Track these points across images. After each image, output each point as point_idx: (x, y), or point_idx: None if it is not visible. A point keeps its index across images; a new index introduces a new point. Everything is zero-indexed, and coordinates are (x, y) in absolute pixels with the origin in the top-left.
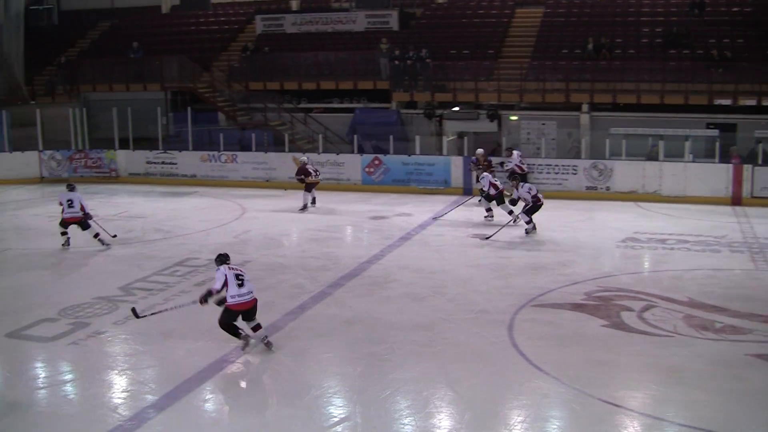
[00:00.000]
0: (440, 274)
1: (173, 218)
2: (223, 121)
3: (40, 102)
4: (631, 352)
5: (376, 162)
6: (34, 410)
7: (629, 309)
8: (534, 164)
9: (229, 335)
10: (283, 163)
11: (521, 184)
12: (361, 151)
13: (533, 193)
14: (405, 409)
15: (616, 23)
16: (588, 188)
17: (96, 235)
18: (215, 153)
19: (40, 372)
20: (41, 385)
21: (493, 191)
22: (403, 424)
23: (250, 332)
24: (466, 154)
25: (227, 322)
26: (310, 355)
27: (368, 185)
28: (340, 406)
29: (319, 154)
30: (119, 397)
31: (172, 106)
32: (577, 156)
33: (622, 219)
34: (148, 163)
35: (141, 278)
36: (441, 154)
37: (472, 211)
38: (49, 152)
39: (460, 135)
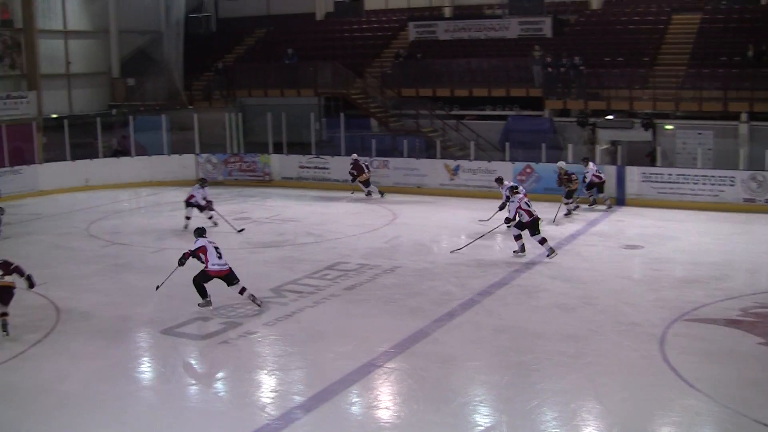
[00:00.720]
0: (591, 284)
1: (325, 222)
2: (376, 127)
3: (197, 107)
4: None
5: (528, 170)
6: (185, 405)
7: None
8: (689, 175)
9: (199, 294)
10: (435, 170)
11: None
12: (512, 158)
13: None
14: (551, 421)
15: None
16: (746, 200)
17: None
18: (367, 159)
19: (193, 369)
20: (193, 382)
21: (526, 218)
22: None
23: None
24: (619, 163)
25: (200, 282)
26: (457, 363)
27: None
28: (486, 415)
29: (470, 161)
30: (268, 397)
31: (325, 111)
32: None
33: None
34: (301, 167)
35: (292, 281)
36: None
37: (624, 221)
38: (205, 155)
39: (614, 144)
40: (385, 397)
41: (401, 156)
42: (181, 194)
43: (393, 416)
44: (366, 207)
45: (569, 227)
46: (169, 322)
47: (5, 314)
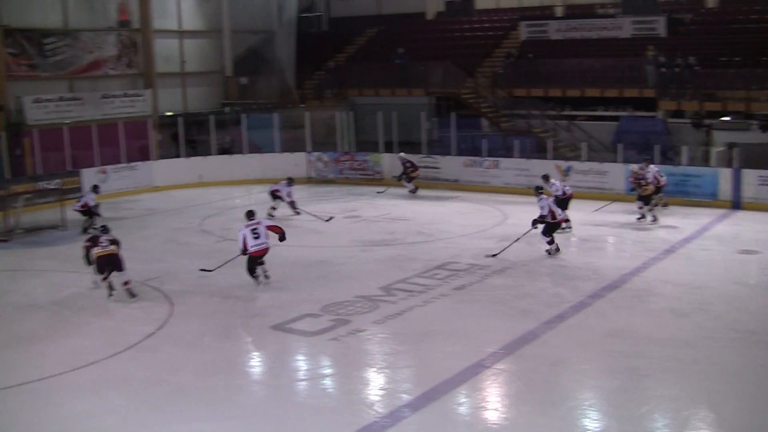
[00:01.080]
0: (705, 290)
1: (435, 222)
2: (487, 127)
3: (309, 105)
4: None
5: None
6: (294, 401)
7: None
8: None
9: (250, 277)
10: (546, 170)
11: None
12: (625, 160)
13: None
14: (662, 428)
15: None
16: None
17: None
18: (478, 158)
19: (302, 364)
20: (302, 377)
21: (550, 218)
22: None
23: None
24: (735, 165)
25: (250, 267)
26: (566, 366)
27: (632, 195)
28: (596, 420)
29: (581, 162)
30: (376, 395)
31: (436, 111)
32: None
33: None
34: None
35: (402, 279)
36: (709, 165)
37: (740, 226)
38: (316, 154)
39: (730, 146)
40: (493, 398)
41: (512, 156)
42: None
43: (501, 418)
44: (476, 207)
45: (683, 231)
46: (279, 318)
47: (127, 282)
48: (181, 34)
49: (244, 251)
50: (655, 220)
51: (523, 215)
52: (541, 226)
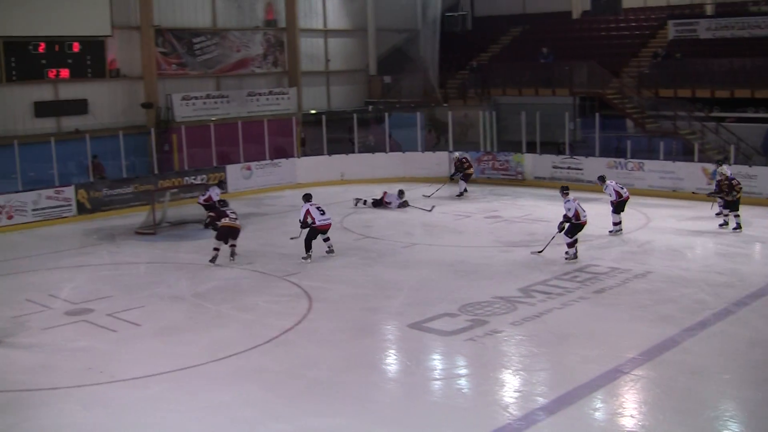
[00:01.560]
0: None
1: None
2: (631, 128)
3: (451, 104)
4: None
5: None
6: (428, 399)
7: None
8: None
9: (305, 249)
10: (692, 174)
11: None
12: None
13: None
14: None
15: None
16: None
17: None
18: (622, 160)
19: (438, 364)
20: (438, 377)
21: (574, 219)
22: None
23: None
24: None
25: (309, 239)
26: (708, 374)
27: None
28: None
29: (730, 165)
30: (511, 396)
31: (580, 111)
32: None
33: None
34: (554, 167)
35: (541, 281)
36: None
37: None
38: (458, 153)
39: None
40: (630, 405)
41: (657, 158)
42: (433, 191)
43: (637, 425)
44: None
45: None
46: (416, 317)
47: (234, 245)
48: (326, 33)
49: (305, 224)
50: (725, 225)
51: (666, 218)
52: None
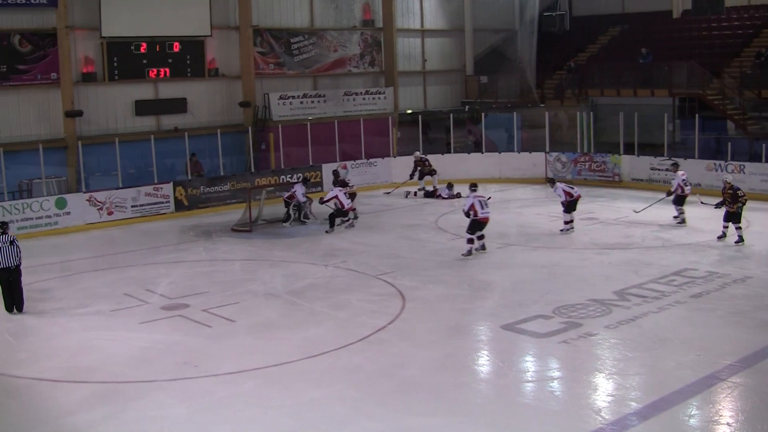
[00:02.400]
0: None
1: (675, 226)
2: (732, 130)
3: (548, 105)
4: None
5: None
6: (520, 401)
7: None
8: None
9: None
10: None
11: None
12: None
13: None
14: None
15: None
16: None
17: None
18: (722, 162)
19: (530, 366)
20: (530, 379)
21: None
22: None
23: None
24: None
25: (472, 231)
26: None
27: None
28: None
29: None
30: (603, 400)
31: (679, 112)
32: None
33: None
34: (652, 169)
35: (636, 284)
36: None
37: None
38: (555, 154)
39: None
40: (726, 413)
41: (759, 161)
42: (529, 192)
43: None
44: (718, 213)
45: None
46: (509, 318)
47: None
48: (423, 32)
49: (468, 214)
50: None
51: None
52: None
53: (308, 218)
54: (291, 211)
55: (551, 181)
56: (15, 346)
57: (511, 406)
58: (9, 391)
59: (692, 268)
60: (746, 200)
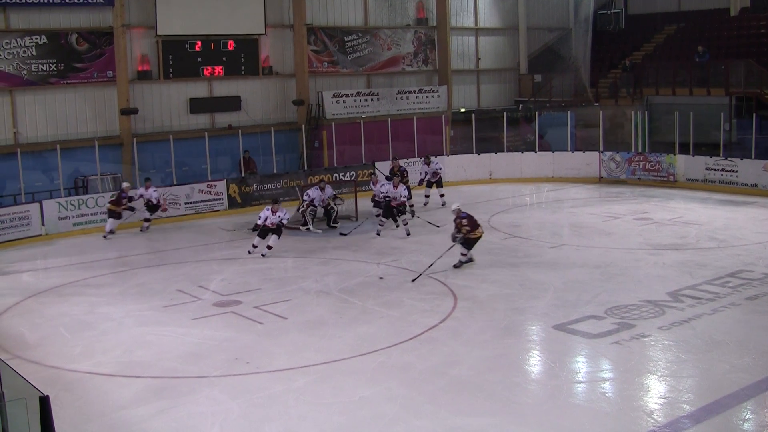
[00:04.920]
0: None
1: (729, 227)
2: None
3: (603, 104)
4: None
5: None
6: (572, 402)
7: None
8: None
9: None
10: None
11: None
12: None
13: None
14: None
15: None
16: None
17: None
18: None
19: (582, 366)
20: (582, 380)
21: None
22: None
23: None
24: None
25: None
26: None
27: None
28: None
29: None
30: (656, 403)
31: (736, 112)
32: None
33: None
34: (707, 169)
35: (690, 286)
36: None
37: None
38: (609, 153)
39: None
40: None
41: None
42: (582, 191)
43: None
44: None
45: None
46: (562, 318)
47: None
48: (477, 31)
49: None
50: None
51: None
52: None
53: (337, 222)
54: (308, 216)
55: (426, 158)
56: (70, 341)
57: (562, 407)
58: (64, 384)
59: (748, 270)
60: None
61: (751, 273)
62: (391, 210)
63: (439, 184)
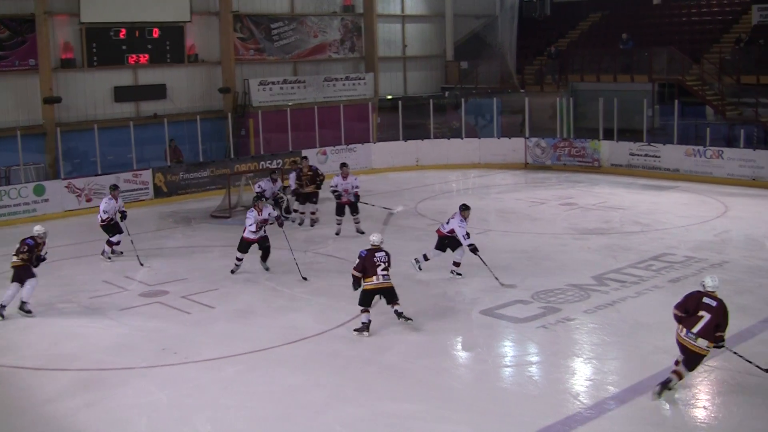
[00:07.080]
0: None
1: (653, 212)
2: (711, 116)
3: (529, 90)
4: None
5: None
6: (499, 386)
7: None
8: None
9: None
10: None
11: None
12: None
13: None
14: None
15: None
16: None
17: None
18: (700, 148)
19: (509, 350)
20: (509, 363)
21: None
22: None
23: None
24: None
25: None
26: None
27: None
28: None
29: None
30: (582, 385)
31: (658, 98)
32: None
33: None
34: (631, 154)
35: (615, 269)
36: None
37: None
38: (534, 140)
39: None
40: (702, 396)
41: (737, 146)
42: (508, 177)
43: (710, 416)
44: (697, 198)
45: None
46: (489, 303)
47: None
48: (404, 18)
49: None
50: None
51: (745, 208)
52: None
53: (290, 213)
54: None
55: (344, 166)
56: None
57: (490, 391)
58: None
59: (671, 253)
60: None
61: (674, 256)
62: (342, 207)
63: (354, 208)
